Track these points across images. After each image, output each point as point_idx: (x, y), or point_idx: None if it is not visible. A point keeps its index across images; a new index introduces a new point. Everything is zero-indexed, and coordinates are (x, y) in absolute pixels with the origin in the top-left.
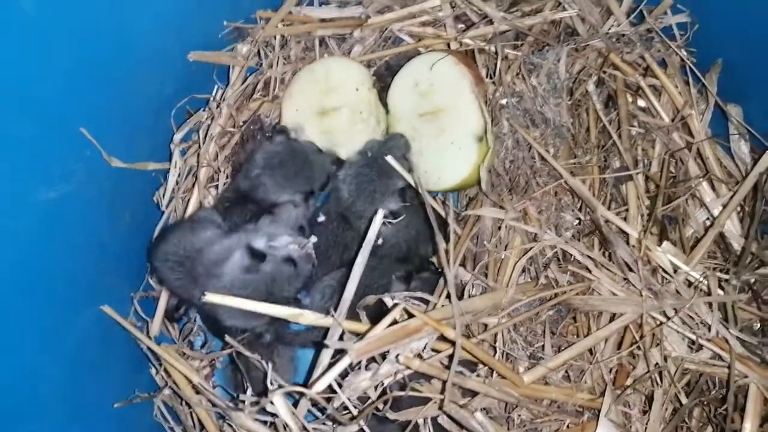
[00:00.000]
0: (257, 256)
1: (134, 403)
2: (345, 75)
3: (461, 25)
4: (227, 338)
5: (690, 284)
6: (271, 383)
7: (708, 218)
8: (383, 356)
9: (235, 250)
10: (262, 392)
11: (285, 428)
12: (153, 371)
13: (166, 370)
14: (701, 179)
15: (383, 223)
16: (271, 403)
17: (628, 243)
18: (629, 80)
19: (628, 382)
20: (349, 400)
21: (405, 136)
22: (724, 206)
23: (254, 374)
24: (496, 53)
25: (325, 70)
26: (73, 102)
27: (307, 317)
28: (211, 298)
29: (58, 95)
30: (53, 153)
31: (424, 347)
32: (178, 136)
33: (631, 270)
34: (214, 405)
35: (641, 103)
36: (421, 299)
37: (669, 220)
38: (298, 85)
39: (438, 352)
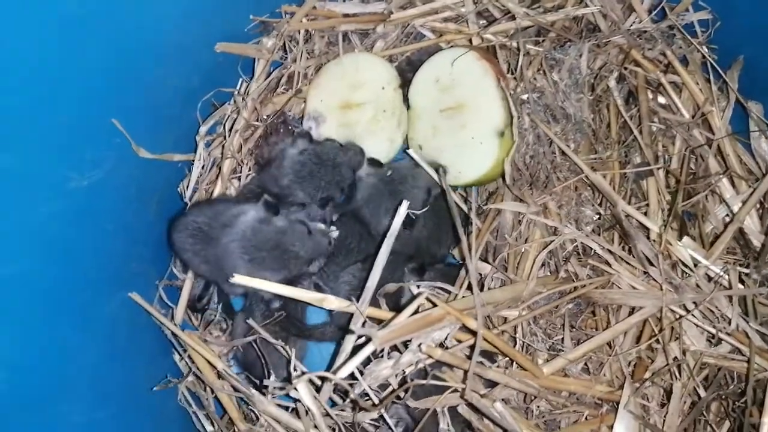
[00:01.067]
0: (272, 207)
1: (161, 389)
2: (373, 72)
3: (483, 21)
4: (250, 322)
5: (710, 279)
6: (295, 369)
7: (727, 214)
8: (405, 345)
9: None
10: (284, 378)
11: (307, 413)
12: (177, 357)
13: (190, 356)
14: (721, 176)
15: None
16: (296, 389)
17: (648, 237)
18: (650, 77)
19: (647, 375)
20: (370, 387)
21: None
22: (744, 202)
23: (270, 360)
24: (518, 49)
25: (355, 65)
26: (105, 92)
27: (331, 302)
28: (238, 279)
29: (90, 86)
30: (86, 142)
31: (446, 337)
32: (203, 129)
33: (651, 264)
34: (236, 390)
35: (661, 99)
36: (442, 289)
37: (688, 216)
38: (326, 76)
39: (459, 342)
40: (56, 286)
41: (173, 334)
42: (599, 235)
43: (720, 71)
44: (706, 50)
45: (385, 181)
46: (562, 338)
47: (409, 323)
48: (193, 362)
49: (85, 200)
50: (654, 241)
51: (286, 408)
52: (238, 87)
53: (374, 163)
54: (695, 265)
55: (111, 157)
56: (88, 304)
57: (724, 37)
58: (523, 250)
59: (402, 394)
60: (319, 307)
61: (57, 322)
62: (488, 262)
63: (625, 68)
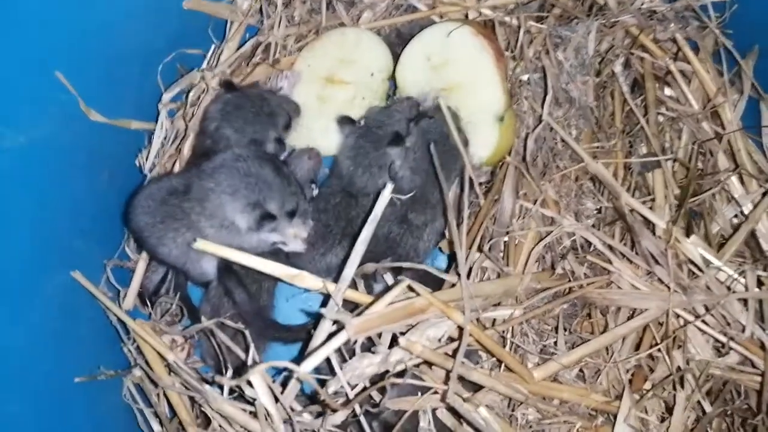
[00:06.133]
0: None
1: (99, 380)
2: (370, 54)
3: None
4: (203, 319)
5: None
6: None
7: (736, 214)
8: (379, 336)
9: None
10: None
11: (267, 418)
12: (126, 349)
13: (138, 347)
14: (731, 173)
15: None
16: (249, 384)
17: (654, 234)
18: (658, 63)
19: (647, 385)
20: (348, 384)
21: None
22: (756, 203)
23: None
24: (519, 26)
25: (356, 41)
26: (51, 42)
27: (305, 279)
28: (202, 245)
29: (33, 31)
30: (24, 94)
31: (443, 335)
32: (167, 96)
33: (657, 262)
34: (188, 387)
35: (669, 90)
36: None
37: (693, 214)
38: (324, 42)
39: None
40: None
41: (120, 320)
42: (599, 229)
43: (737, 58)
44: (721, 35)
45: (362, 134)
46: (556, 341)
47: (387, 312)
48: (141, 353)
49: (22, 162)
50: (660, 237)
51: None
52: (209, 53)
53: (346, 121)
54: (707, 265)
55: (55, 115)
56: (20, 282)
57: (740, 24)
58: (517, 242)
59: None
60: (290, 284)
61: None
62: (484, 252)
63: (632, 53)
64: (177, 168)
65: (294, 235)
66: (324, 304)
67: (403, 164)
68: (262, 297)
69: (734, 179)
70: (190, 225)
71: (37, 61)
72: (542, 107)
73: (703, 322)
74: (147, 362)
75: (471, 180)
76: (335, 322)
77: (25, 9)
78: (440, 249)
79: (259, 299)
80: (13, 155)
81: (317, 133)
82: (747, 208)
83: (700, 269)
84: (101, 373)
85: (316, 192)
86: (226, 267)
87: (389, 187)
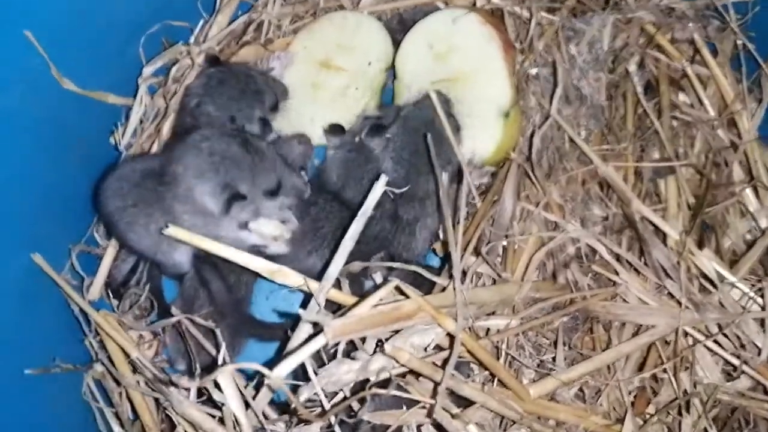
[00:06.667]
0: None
1: (56, 374)
2: (370, 41)
3: None
4: (173, 308)
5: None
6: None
7: (750, 229)
8: (362, 341)
9: None
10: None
11: (236, 426)
12: (87, 342)
13: (101, 341)
14: (746, 185)
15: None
16: (216, 385)
17: (665, 244)
18: (673, 65)
19: (650, 408)
20: (323, 392)
21: (442, 93)
22: None
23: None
24: (530, 16)
25: (356, 26)
26: None
27: (286, 275)
28: (173, 231)
29: None
30: None
31: (430, 343)
32: (148, 70)
33: (668, 275)
34: (152, 388)
35: (683, 93)
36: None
37: (704, 227)
38: (322, 24)
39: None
40: None
41: (82, 311)
42: (606, 237)
43: (760, 61)
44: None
45: (352, 148)
46: (554, 356)
47: (371, 315)
48: (104, 348)
49: None
50: (671, 249)
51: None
52: (197, 27)
53: (335, 130)
54: (721, 281)
55: (21, 80)
56: None
57: (763, 27)
58: (516, 246)
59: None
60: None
61: None
62: (481, 255)
63: (647, 53)
64: (155, 148)
65: (275, 238)
66: (306, 304)
67: (384, 154)
68: (241, 290)
69: (749, 192)
70: (164, 210)
71: (4, 17)
72: (550, 103)
73: (716, 342)
74: (110, 358)
75: (464, 172)
76: (314, 324)
77: None
78: (434, 251)
79: (237, 292)
80: None
81: (307, 120)
82: (763, 223)
83: (713, 285)
84: (57, 366)
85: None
86: (202, 254)
87: (383, 178)
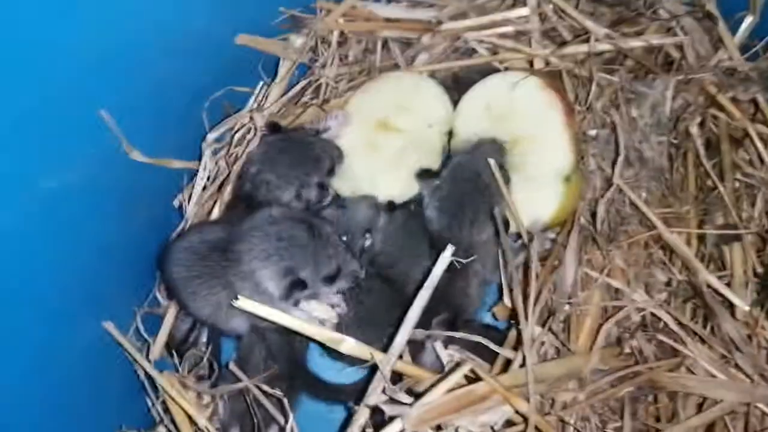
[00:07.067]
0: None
1: None
2: (428, 103)
3: (546, 42)
4: (231, 366)
5: None
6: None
7: None
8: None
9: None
10: None
11: None
12: (151, 403)
13: (164, 403)
14: None
15: None
16: None
17: (733, 316)
18: (734, 125)
19: None
20: None
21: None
22: None
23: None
24: (590, 77)
25: (414, 87)
26: (96, 79)
27: (350, 346)
28: (242, 303)
29: (78, 69)
30: (63, 134)
31: (497, 422)
32: (211, 136)
33: (737, 348)
34: None
35: (743, 154)
36: (483, 353)
37: None
38: (378, 84)
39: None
40: (11, 310)
41: (146, 374)
42: (670, 305)
43: None
44: None
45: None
46: (620, 425)
47: (448, 401)
48: (167, 411)
49: (53, 206)
50: (739, 320)
51: None
52: (257, 89)
53: (426, 175)
54: None
55: (94, 155)
56: (50, 332)
57: None
58: (578, 313)
59: None
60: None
61: (8, 353)
62: (550, 329)
63: (707, 112)
64: (216, 210)
65: (321, 321)
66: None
67: (430, 202)
68: (296, 340)
69: None
70: (226, 284)
71: (80, 97)
72: (612, 167)
73: None
74: (174, 422)
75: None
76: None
77: (77, 39)
78: (493, 315)
79: (292, 343)
80: (47, 197)
81: (364, 183)
82: None
83: None
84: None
85: (369, 243)
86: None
87: (450, 249)
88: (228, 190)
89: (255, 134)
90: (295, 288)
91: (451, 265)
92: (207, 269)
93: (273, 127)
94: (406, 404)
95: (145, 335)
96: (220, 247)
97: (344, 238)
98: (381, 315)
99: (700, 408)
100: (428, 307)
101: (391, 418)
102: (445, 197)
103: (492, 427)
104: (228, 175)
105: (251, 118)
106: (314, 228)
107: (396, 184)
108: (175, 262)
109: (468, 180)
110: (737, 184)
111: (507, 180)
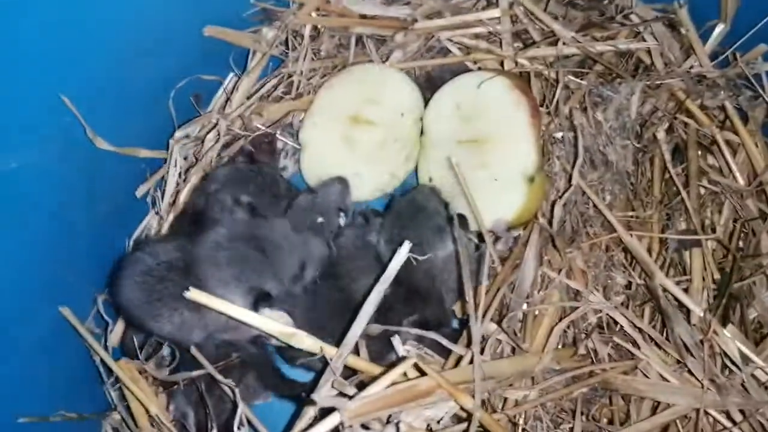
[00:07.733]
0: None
1: (74, 421)
2: (397, 93)
3: (518, 44)
4: (193, 350)
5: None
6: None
7: None
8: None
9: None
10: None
11: None
12: (106, 390)
13: (120, 389)
14: None
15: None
16: None
17: (688, 321)
18: (702, 131)
19: None
20: None
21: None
22: None
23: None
24: (557, 80)
25: (381, 78)
26: (58, 64)
27: (302, 340)
28: (194, 295)
29: (38, 48)
30: (23, 115)
31: (443, 417)
32: (179, 134)
33: (689, 353)
34: None
35: (712, 159)
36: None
37: (729, 296)
38: (344, 77)
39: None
40: None
41: (102, 361)
42: (627, 308)
43: None
44: None
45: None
46: (572, 427)
47: (388, 395)
48: (123, 400)
49: (13, 187)
50: (694, 326)
51: None
52: (226, 82)
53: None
54: (747, 363)
55: (56, 139)
56: (5, 313)
57: None
58: (536, 313)
59: None
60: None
61: None
62: (502, 328)
63: (675, 118)
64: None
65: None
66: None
67: (379, 239)
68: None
69: None
70: (188, 303)
71: (40, 77)
72: (572, 169)
73: (740, 430)
74: (129, 409)
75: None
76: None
77: (33, 31)
78: (453, 312)
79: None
80: (5, 179)
81: (351, 174)
82: None
83: (737, 365)
84: (60, 414)
85: (343, 221)
86: None
87: (407, 245)
88: (184, 194)
89: (219, 139)
90: (263, 300)
91: (429, 274)
92: (167, 290)
93: (247, 155)
94: (346, 396)
95: (107, 319)
96: (177, 267)
97: (320, 220)
98: (337, 319)
99: (654, 410)
100: (406, 311)
101: (331, 410)
102: (389, 229)
103: (438, 422)
104: (186, 177)
105: (217, 122)
106: (261, 240)
107: (376, 178)
108: (132, 287)
109: (407, 210)
110: (703, 191)
111: (450, 219)
